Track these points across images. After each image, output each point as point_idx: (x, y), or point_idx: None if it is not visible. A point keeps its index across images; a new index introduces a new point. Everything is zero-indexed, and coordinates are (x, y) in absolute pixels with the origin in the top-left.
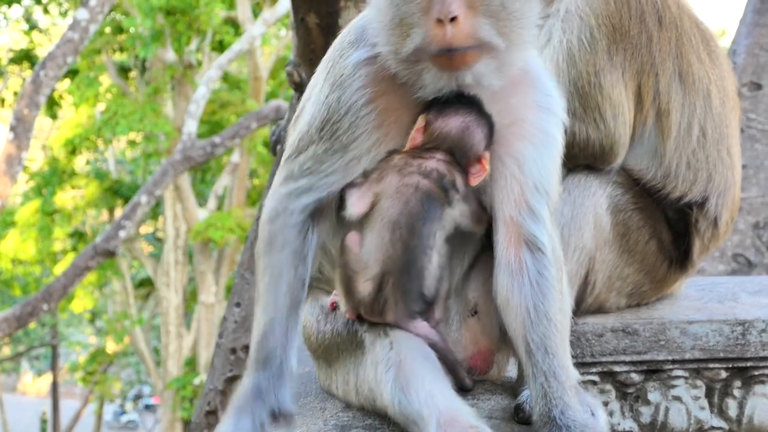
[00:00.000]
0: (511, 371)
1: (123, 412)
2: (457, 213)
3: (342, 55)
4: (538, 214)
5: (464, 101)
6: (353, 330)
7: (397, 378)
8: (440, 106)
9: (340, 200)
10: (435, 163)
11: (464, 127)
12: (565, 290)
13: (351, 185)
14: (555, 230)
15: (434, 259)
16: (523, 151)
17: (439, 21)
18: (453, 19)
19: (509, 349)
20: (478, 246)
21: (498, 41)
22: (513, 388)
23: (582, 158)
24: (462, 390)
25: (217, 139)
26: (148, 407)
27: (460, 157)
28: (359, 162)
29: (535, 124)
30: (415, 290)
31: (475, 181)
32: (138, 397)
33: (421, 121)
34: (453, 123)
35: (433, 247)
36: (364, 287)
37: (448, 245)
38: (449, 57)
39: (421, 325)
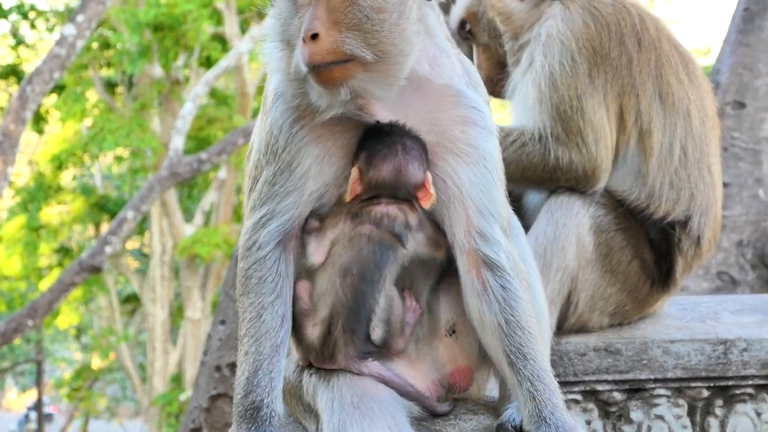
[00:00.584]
0: (492, 391)
1: (27, 422)
2: (414, 248)
3: (268, 83)
4: (489, 238)
5: (391, 136)
6: (300, 378)
7: (335, 425)
8: (367, 151)
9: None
10: (383, 207)
11: (396, 170)
12: (540, 301)
13: (309, 232)
14: (513, 246)
15: (381, 302)
16: (458, 172)
17: (304, 40)
18: (315, 36)
19: (489, 368)
20: (441, 264)
21: (364, 53)
22: (495, 408)
23: (564, 182)
24: (438, 416)
25: (203, 155)
26: (47, 416)
27: (404, 195)
28: (308, 177)
29: (463, 140)
30: (362, 333)
31: (426, 205)
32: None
33: (354, 173)
34: (384, 170)
35: (381, 290)
36: (313, 332)
37: (406, 274)
38: (318, 73)
39: (373, 365)
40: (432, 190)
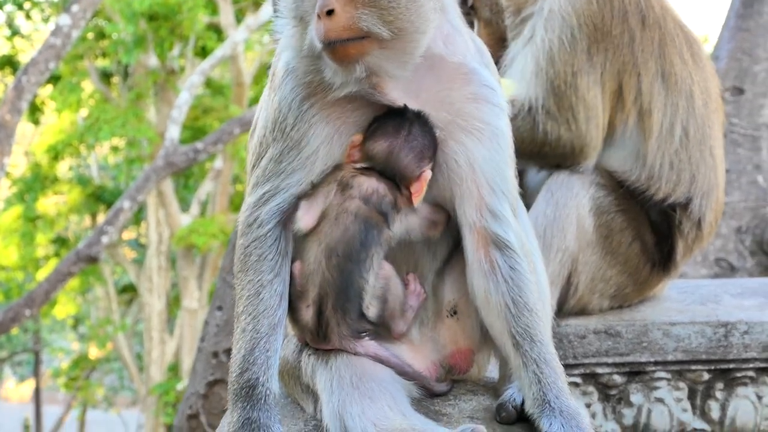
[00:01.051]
0: (493, 372)
1: None
2: (403, 229)
3: (277, 59)
4: (500, 216)
5: (402, 118)
6: (299, 359)
7: (335, 405)
8: (377, 123)
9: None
10: (375, 183)
11: (389, 151)
12: (544, 282)
13: (302, 197)
14: (520, 226)
15: (371, 280)
16: (472, 150)
17: (319, 15)
18: (330, 12)
19: (490, 349)
20: (448, 246)
21: (381, 30)
22: (495, 389)
23: (552, 158)
24: (436, 395)
25: (199, 144)
26: None
27: (395, 178)
28: (317, 156)
29: (477, 117)
30: (355, 311)
31: (415, 202)
32: None
33: (356, 138)
34: (379, 146)
35: (369, 269)
36: (307, 312)
37: (410, 257)
38: (333, 50)
39: (368, 344)
40: (423, 190)
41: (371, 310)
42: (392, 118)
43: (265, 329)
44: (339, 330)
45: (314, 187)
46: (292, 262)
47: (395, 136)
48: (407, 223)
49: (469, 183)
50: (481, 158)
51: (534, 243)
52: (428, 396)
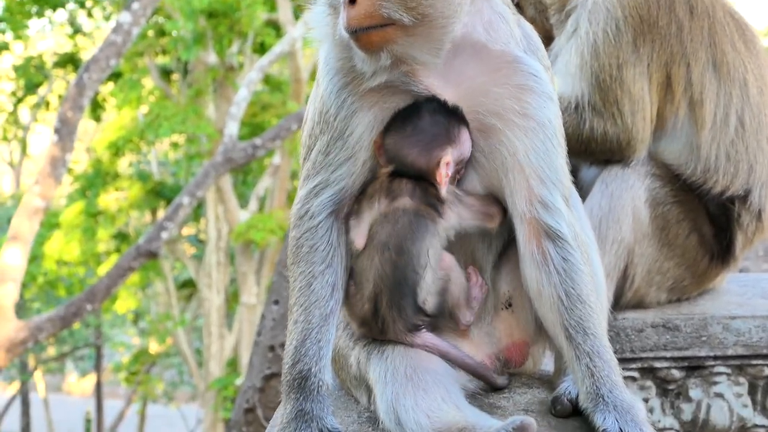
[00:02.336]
0: (548, 365)
1: None
2: (456, 220)
3: (318, 50)
4: (551, 206)
5: (411, 110)
6: (353, 350)
7: (389, 397)
8: (389, 121)
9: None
10: (406, 183)
11: (395, 150)
12: (599, 274)
13: (351, 214)
14: (574, 216)
15: (428, 275)
16: (518, 141)
17: (344, 4)
18: (353, 1)
19: (545, 342)
20: (503, 238)
21: (402, 17)
22: (550, 382)
23: (599, 153)
24: (496, 389)
25: (258, 140)
26: None
27: (415, 174)
28: (362, 145)
29: (522, 108)
30: (410, 307)
31: (442, 191)
32: None
33: (377, 139)
34: (388, 145)
35: (425, 264)
36: (363, 309)
37: (467, 249)
38: (357, 38)
39: (427, 337)
40: (444, 176)
41: (429, 304)
42: (402, 113)
43: (317, 320)
44: (395, 326)
45: (359, 202)
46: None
47: (400, 133)
48: (460, 216)
49: (517, 174)
50: (529, 149)
51: (590, 234)
52: (487, 390)
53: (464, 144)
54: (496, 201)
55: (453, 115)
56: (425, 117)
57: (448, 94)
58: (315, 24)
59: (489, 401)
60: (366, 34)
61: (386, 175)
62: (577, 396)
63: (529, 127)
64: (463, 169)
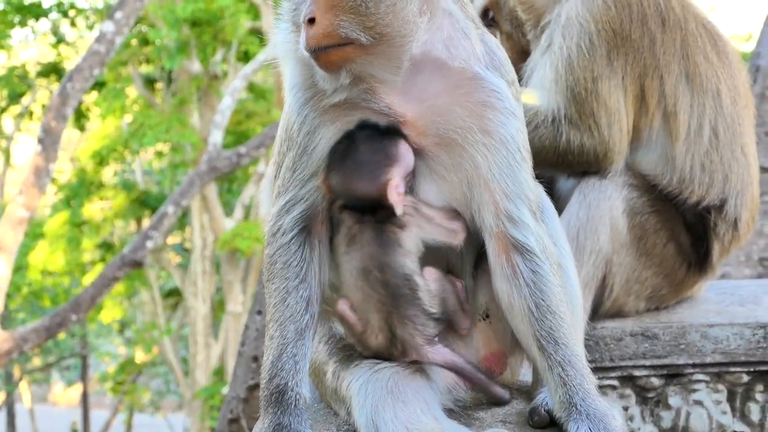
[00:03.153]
0: (526, 375)
1: None
2: (417, 231)
3: (284, 65)
4: (518, 221)
5: (349, 141)
6: (330, 362)
7: (368, 410)
8: (328, 154)
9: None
10: (356, 214)
11: (344, 186)
12: (573, 285)
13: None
14: (542, 229)
15: (420, 282)
16: (481, 157)
17: (304, 24)
18: (312, 21)
19: (522, 353)
20: (476, 251)
21: (360, 36)
22: (528, 393)
23: (576, 165)
24: (498, 404)
25: (242, 149)
26: None
27: (369, 204)
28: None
29: (484, 124)
30: (421, 314)
31: (398, 211)
32: None
33: (324, 181)
34: (337, 183)
35: (411, 273)
36: (378, 340)
37: (442, 261)
38: (317, 57)
39: (444, 352)
40: (396, 197)
41: (435, 309)
42: (338, 149)
43: (292, 335)
44: (415, 341)
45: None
46: (338, 300)
47: (343, 170)
48: (420, 227)
49: (483, 189)
50: (492, 165)
51: (564, 245)
52: (467, 402)
53: (405, 157)
54: (458, 216)
55: (387, 134)
56: (362, 146)
57: (408, 110)
58: (279, 41)
59: (468, 412)
60: (325, 53)
61: (340, 210)
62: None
63: (492, 143)
64: (411, 178)
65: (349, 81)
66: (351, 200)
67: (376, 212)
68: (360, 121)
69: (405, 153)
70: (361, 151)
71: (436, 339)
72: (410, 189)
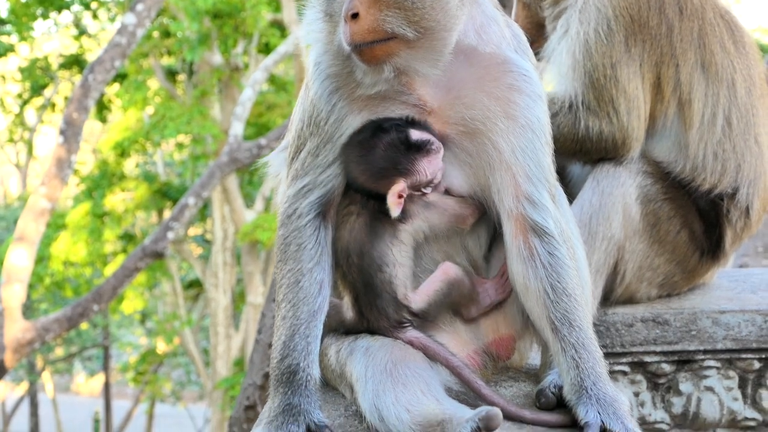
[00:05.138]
0: (535, 359)
1: None
2: (422, 224)
3: (308, 57)
4: (538, 203)
5: (372, 138)
6: (337, 346)
7: (370, 394)
8: (349, 139)
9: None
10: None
11: (348, 168)
12: (584, 269)
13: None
14: (560, 212)
15: (399, 272)
16: (506, 140)
17: (345, 19)
18: (355, 16)
19: (531, 336)
20: (490, 234)
21: (406, 31)
22: (536, 376)
23: (594, 152)
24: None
25: (263, 140)
26: None
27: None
28: None
29: (511, 108)
30: (390, 305)
31: (394, 214)
32: None
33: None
34: (343, 161)
35: (389, 263)
36: (351, 315)
37: (459, 245)
38: (360, 52)
39: (413, 333)
40: (394, 204)
41: (416, 302)
42: (360, 134)
43: (305, 316)
44: (380, 325)
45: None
46: None
47: (353, 155)
48: (428, 220)
49: (504, 172)
50: (516, 148)
51: (575, 230)
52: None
53: (420, 173)
54: (470, 202)
55: (409, 148)
56: (378, 149)
57: (436, 101)
58: (308, 30)
59: (471, 393)
60: (369, 49)
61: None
62: (562, 389)
63: (517, 126)
64: (432, 184)
65: (393, 75)
66: (351, 181)
67: (381, 203)
68: (385, 117)
69: (421, 168)
70: (375, 153)
71: (408, 326)
72: (432, 188)
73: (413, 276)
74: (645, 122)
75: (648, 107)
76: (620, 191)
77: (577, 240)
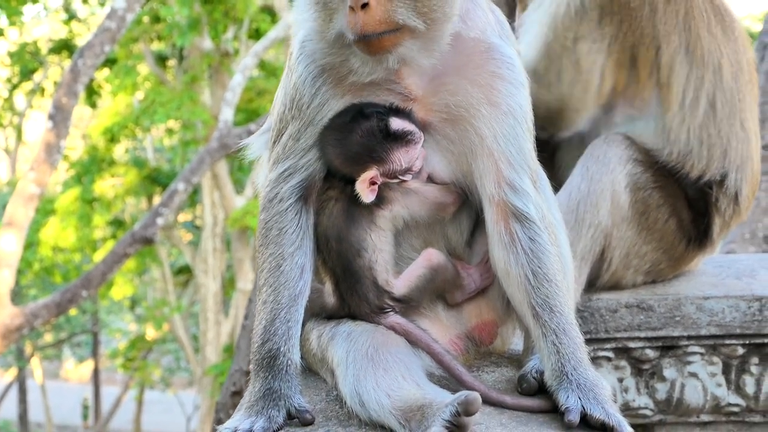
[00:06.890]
0: (517, 344)
1: None
2: (402, 211)
3: (295, 35)
4: (519, 189)
5: (350, 122)
6: (318, 331)
7: (350, 379)
8: (329, 121)
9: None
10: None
11: (324, 149)
12: (566, 255)
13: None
14: (541, 198)
15: (379, 258)
16: (488, 126)
17: (353, 8)
18: (365, 6)
19: (514, 322)
20: (472, 220)
21: (416, 22)
22: (518, 361)
23: (540, 120)
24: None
25: (253, 126)
26: None
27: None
28: None
29: (493, 95)
30: (370, 290)
31: (366, 200)
32: None
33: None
34: (320, 141)
35: (368, 248)
36: (331, 299)
37: (439, 232)
38: (366, 43)
39: (392, 319)
40: (365, 190)
41: (398, 288)
42: (339, 118)
43: (286, 300)
44: (361, 310)
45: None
46: None
47: (330, 137)
48: (408, 207)
49: (486, 158)
50: (498, 134)
51: (558, 216)
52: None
53: (394, 162)
54: (452, 190)
55: (387, 137)
56: (355, 134)
57: (421, 89)
58: (298, 14)
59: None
60: (378, 39)
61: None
62: (543, 374)
63: (499, 113)
64: (410, 172)
65: (396, 65)
66: (327, 162)
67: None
68: (368, 102)
69: (396, 158)
70: (352, 139)
71: (389, 311)
72: (411, 175)
73: (395, 262)
74: (595, 98)
75: (606, 85)
76: (609, 178)
77: (559, 226)
